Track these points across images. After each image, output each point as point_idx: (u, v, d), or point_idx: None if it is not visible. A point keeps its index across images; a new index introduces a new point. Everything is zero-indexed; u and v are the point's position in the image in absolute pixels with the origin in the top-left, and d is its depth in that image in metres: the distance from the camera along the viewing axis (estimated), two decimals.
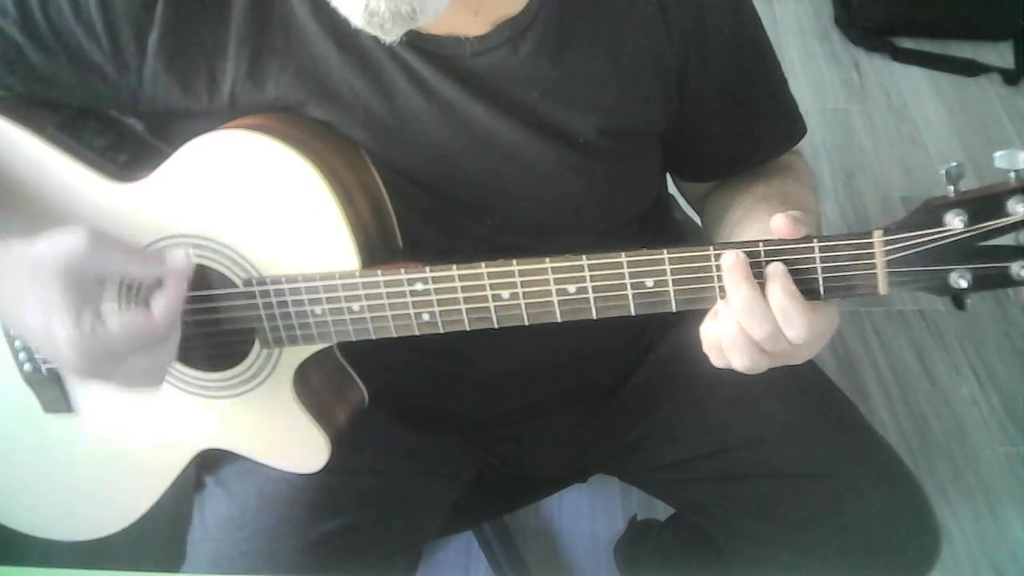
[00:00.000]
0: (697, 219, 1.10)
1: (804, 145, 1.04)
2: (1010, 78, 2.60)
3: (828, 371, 1.08)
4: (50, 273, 0.74)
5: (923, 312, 2.01)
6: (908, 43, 2.72)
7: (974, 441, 1.77)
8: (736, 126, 0.97)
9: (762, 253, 0.74)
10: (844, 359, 1.92)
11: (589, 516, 1.67)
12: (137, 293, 0.83)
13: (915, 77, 2.64)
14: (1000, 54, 2.68)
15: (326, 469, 0.91)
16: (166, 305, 0.77)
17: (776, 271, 0.73)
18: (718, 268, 0.75)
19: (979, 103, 2.54)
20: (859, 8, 2.73)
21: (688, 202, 1.12)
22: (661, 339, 1.08)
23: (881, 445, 1.02)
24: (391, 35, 0.78)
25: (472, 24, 0.84)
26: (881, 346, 1.95)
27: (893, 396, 1.86)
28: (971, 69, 2.63)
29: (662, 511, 1.36)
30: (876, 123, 2.50)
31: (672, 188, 1.11)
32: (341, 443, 0.92)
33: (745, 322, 0.74)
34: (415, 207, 0.88)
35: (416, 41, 0.84)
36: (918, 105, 2.55)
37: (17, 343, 0.93)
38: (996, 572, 1.57)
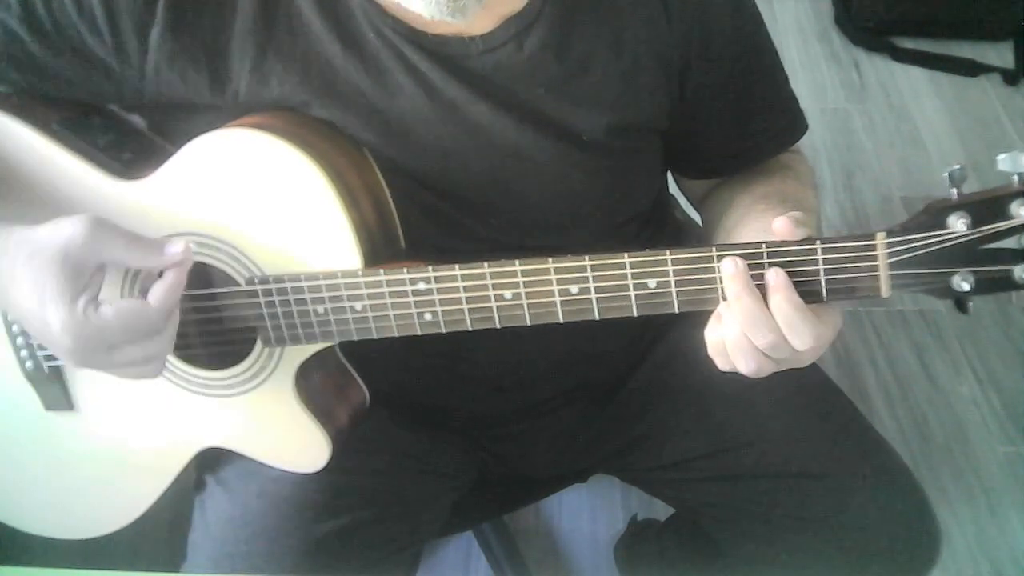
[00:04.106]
0: (698, 218, 1.11)
1: (804, 145, 1.04)
2: (1010, 78, 2.60)
3: (828, 371, 1.08)
4: (48, 257, 0.74)
5: (923, 312, 2.01)
6: (908, 43, 2.72)
7: (974, 441, 1.77)
8: (737, 121, 0.97)
9: (764, 255, 0.74)
10: (844, 359, 1.92)
11: (589, 516, 1.67)
12: (135, 283, 0.83)
13: (915, 77, 2.64)
14: (1000, 54, 2.69)
15: (327, 469, 0.91)
16: (164, 294, 0.77)
17: (778, 282, 0.73)
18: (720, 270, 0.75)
19: (979, 103, 2.54)
20: (859, 8, 2.74)
21: (689, 201, 1.12)
22: (661, 339, 1.08)
23: (881, 445, 1.02)
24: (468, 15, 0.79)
25: (478, 21, 0.84)
26: (881, 346, 1.95)
27: (893, 396, 1.86)
28: (971, 69, 2.63)
29: (662, 511, 1.36)
30: (876, 123, 2.50)
31: (673, 188, 1.11)
32: (342, 443, 0.92)
33: (748, 331, 0.74)
34: (419, 206, 0.88)
35: (422, 41, 0.84)
36: (918, 105, 2.55)
37: (19, 340, 0.93)
38: (996, 572, 1.57)
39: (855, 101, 2.57)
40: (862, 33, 2.75)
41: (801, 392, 1.03)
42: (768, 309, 0.73)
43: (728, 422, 1.03)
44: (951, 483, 1.70)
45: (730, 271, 0.74)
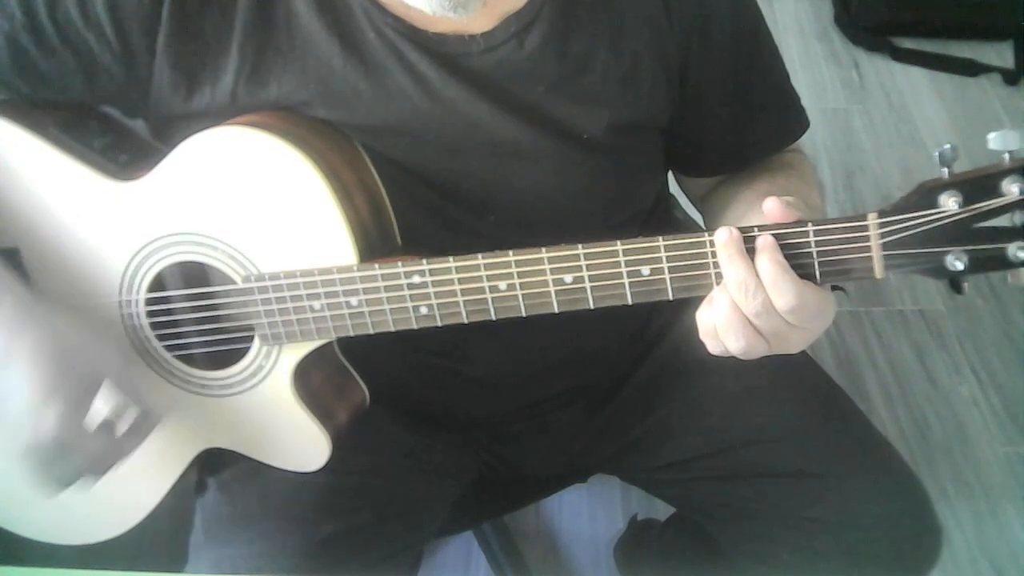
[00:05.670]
0: (698, 218, 1.10)
1: (804, 144, 1.04)
2: (1010, 78, 2.60)
3: (828, 371, 1.08)
4: (56, 352, 0.76)
5: (923, 312, 2.01)
6: (908, 43, 2.72)
7: (974, 441, 1.77)
8: (738, 118, 0.97)
9: (756, 239, 0.74)
10: (844, 359, 1.92)
11: (589, 516, 1.67)
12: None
13: (915, 77, 2.64)
14: (1000, 54, 2.69)
15: (327, 469, 0.91)
16: (136, 435, 0.81)
17: (765, 243, 0.73)
18: (713, 255, 0.75)
19: (979, 103, 2.55)
20: (859, 8, 2.74)
21: (690, 200, 1.11)
22: (661, 339, 1.08)
23: (882, 444, 1.02)
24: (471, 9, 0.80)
25: (478, 19, 0.84)
26: (881, 346, 1.95)
27: (893, 396, 1.86)
28: (971, 69, 2.63)
29: (662, 511, 1.36)
30: (876, 123, 2.50)
31: (674, 188, 1.11)
32: (341, 443, 0.92)
33: (738, 297, 0.74)
34: (417, 203, 0.88)
35: (422, 39, 0.84)
36: (918, 105, 2.55)
37: None
38: (996, 572, 1.57)
39: (855, 101, 2.57)
40: (862, 33, 2.75)
41: (801, 391, 1.03)
42: (757, 274, 0.73)
43: (728, 422, 1.03)
44: (951, 483, 1.70)
45: (723, 238, 0.74)
